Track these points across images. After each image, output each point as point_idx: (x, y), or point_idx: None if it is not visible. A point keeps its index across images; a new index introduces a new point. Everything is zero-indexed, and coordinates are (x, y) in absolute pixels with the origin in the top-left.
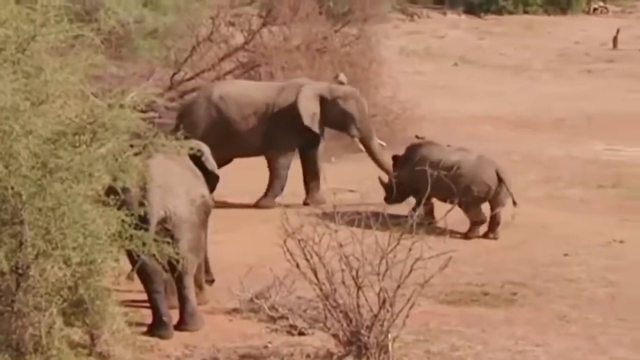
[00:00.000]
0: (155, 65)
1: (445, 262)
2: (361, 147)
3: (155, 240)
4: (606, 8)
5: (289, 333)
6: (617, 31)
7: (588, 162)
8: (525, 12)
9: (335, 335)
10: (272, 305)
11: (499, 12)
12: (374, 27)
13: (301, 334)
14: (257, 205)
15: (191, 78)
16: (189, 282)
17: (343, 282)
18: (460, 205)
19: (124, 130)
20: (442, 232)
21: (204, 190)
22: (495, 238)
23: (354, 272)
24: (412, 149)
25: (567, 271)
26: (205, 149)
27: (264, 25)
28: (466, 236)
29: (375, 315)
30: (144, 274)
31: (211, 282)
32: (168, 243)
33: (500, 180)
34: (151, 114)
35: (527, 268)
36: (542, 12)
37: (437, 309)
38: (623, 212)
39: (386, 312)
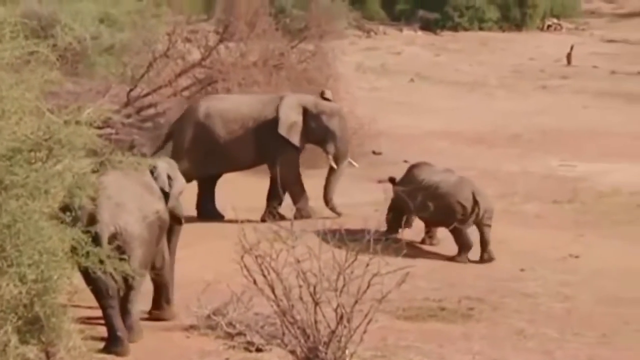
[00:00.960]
0: (111, 82)
1: (402, 278)
2: (333, 164)
3: (109, 257)
4: (560, 25)
5: (247, 349)
6: (571, 47)
7: (544, 178)
8: (481, 29)
9: (292, 352)
10: (230, 321)
11: (455, 28)
12: (330, 43)
13: (259, 350)
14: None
15: (148, 94)
16: (135, 296)
17: (300, 298)
18: (448, 230)
19: (80, 147)
20: (399, 247)
21: (159, 206)
22: (491, 258)
23: (311, 288)
24: (408, 170)
25: (523, 286)
26: (161, 166)
27: (220, 41)
28: (453, 259)
29: (333, 331)
30: (98, 290)
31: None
32: (123, 260)
33: (475, 202)
34: (108, 130)
35: (484, 283)
36: (497, 28)
37: (395, 325)
38: (578, 227)
39: (344, 328)
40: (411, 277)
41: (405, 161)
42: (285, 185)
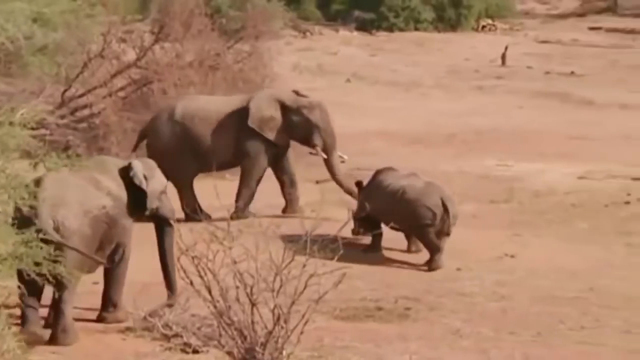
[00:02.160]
0: (45, 82)
1: (339, 278)
2: (323, 155)
3: (46, 259)
4: (494, 25)
5: (184, 351)
6: (506, 48)
7: (480, 178)
8: (416, 29)
9: (229, 353)
10: (166, 323)
11: (390, 29)
12: (266, 43)
13: (195, 352)
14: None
15: (82, 95)
16: (68, 296)
17: (237, 299)
18: (415, 236)
19: (14, 148)
20: (336, 248)
21: (106, 201)
22: (438, 267)
23: (248, 289)
24: (374, 176)
25: (459, 286)
26: (137, 164)
27: (156, 41)
28: (428, 268)
29: (270, 332)
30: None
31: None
32: (57, 262)
33: (445, 208)
34: (42, 131)
35: (421, 283)
36: (433, 29)
37: (332, 325)
38: (514, 227)
39: (280, 329)
40: (348, 278)
41: (342, 161)
42: (242, 179)
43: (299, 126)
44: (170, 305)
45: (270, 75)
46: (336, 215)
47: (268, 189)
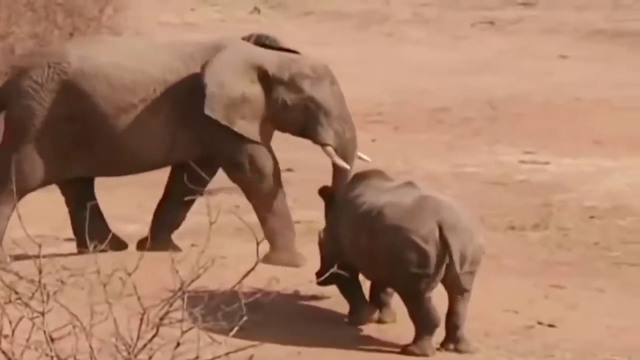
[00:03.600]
0: None
1: None
2: (339, 161)
3: None
4: None
5: None
6: None
7: (491, 184)
8: None
9: None
10: None
11: None
12: None
13: None
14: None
15: None
16: None
17: None
18: (400, 296)
19: None
20: (235, 312)
21: None
22: (459, 350)
23: None
24: (349, 184)
25: None
26: None
27: None
28: (404, 350)
29: None
30: None
31: None
32: None
33: (443, 242)
34: None
35: None
36: None
37: None
38: (553, 273)
39: None
40: None
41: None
42: (256, 204)
43: (295, 110)
44: None
45: (115, 3)
46: (236, 251)
47: (115, 199)
